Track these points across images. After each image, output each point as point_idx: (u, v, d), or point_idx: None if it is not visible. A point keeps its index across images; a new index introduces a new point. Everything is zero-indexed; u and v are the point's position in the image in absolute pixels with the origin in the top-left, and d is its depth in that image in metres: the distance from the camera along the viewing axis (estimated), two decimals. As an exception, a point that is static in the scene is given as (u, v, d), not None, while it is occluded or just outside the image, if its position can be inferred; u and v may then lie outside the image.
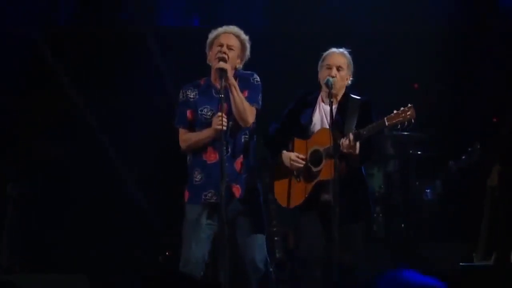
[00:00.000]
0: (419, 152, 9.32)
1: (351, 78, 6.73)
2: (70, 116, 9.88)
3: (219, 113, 6.40)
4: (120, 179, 10.02)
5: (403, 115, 6.43)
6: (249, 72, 6.70)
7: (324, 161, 6.49)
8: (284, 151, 6.63)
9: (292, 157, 6.58)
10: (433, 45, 9.41)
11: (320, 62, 6.76)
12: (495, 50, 9.36)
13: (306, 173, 6.58)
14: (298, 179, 6.61)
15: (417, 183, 9.32)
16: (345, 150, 6.41)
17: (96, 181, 9.75)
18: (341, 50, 6.74)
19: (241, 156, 6.59)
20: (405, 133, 9.17)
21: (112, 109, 9.83)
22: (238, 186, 6.56)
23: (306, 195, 6.56)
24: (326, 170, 6.47)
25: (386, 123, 6.44)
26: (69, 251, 9.35)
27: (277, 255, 8.65)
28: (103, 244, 9.43)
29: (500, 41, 9.35)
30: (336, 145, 6.40)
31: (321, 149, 6.51)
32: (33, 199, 9.26)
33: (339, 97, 6.68)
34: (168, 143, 9.45)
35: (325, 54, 6.77)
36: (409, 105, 6.47)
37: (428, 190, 9.29)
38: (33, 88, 9.86)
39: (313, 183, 6.55)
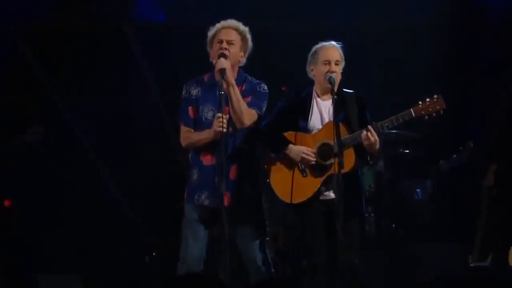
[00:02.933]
0: (408, 151, 9.26)
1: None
2: (50, 114, 9.72)
3: (219, 114, 6.27)
4: (106, 180, 9.95)
5: (432, 106, 6.40)
6: (258, 80, 6.59)
7: None
8: (292, 145, 6.49)
9: (304, 151, 6.44)
10: (426, 43, 9.38)
11: (312, 57, 6.62)
12: (488, 47, 9.34)
13: (314, 168, 6.44)
14: (305, 174, 6.46)
15: (407, 182, 9.25)
16: (366, 143, 6.31)
17: (83, 182, 9.74)
18: (333, 43, 6.63)
19: (237, 161, 6.47)
20: (394, 131, 9.11)
21: (92, 106, 9.72)
22: (228, 193, 6.41)
23: (316, 190, 6.44)
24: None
25: (413, 114, 6.41)
26: (61, 252, 9.24)
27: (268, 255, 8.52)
28: (94, 245, 9.34)
29: (493, 39, 9.34)
30: (356, 138, 6.35)
31: (332, 142, 6.34)
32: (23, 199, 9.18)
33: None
34: (154, 142, 9.44)
35: (317, 48, 6.64)
36: (436, 96, 6.40)
37: (418, 190, 9.22)
38: (12, 87, 9.70)
39: (324, 177, 6.45)
